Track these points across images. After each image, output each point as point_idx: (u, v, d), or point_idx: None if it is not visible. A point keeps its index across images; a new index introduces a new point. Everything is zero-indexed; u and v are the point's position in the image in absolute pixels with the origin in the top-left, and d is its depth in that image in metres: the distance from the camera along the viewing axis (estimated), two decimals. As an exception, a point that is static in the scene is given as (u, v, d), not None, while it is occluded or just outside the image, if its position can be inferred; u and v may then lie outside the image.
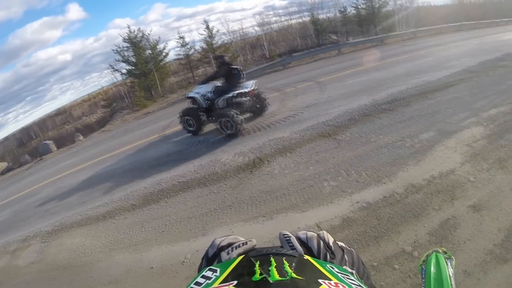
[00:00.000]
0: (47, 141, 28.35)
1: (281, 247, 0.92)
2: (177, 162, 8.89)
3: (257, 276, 0.62)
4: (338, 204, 4.50)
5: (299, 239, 0.94)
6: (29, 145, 35.74)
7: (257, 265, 0.67)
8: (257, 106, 10.38)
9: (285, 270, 0.65)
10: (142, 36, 30.34)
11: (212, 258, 0.90)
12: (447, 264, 0.99)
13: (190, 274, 4.42)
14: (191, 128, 10.59)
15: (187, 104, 10.82)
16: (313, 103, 9.95)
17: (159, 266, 4.87)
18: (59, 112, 43.33)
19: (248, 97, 9.79)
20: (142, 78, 29.59)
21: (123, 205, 7.51)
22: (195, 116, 10.20)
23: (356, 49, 24.41)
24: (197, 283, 0.68)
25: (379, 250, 3.45)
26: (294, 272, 0.63)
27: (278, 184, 5.72)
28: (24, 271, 6.75)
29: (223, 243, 0.90)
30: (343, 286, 0.61)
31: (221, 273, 0.69)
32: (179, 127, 12.71)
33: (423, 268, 1.02)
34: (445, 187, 4.31)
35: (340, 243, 1.00)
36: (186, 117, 10.41)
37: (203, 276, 0.71)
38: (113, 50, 29.86)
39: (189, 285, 0.68)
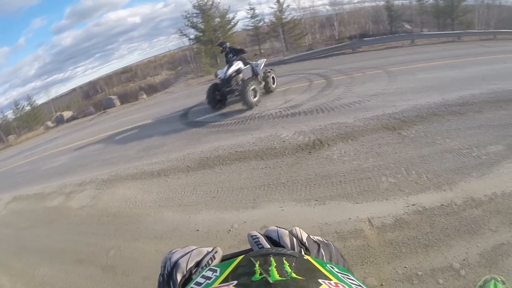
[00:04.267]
0: (111, 96, 30.41)
1: (256, 245, 0.92)
2: (236, 131, 9.04)
3: (257, 276, 0.62)
4: (394, 203, 4.40)
5: (269, 238, 0.91)
6: (94, 98, 37.69)
7: (257, 265, 0.68)
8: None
9: (285, 270, 0.65)
10: (212, 4, 30.76)
11: (184, 283, 0.82)
12: None
13: (234, 244, 4.52)
14: (256, 97, 11.42)
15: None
16: (381, 93, 9.70)
17: (205, 230, 5.01)
18: (125, 70, 44.97)
19: None
20: (209, 45, 30.24)
21: (178, 166, 7.74)
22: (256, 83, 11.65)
23: (431, 42, 23.23)
24: (197, 283, 0.68)
25: (427, 260, 3.37)
26: (294, 272, 0.63)
27: (335, 170, 5.67)
28: (75, 213, 7.20)
29: (191, 264, 0.83)
30: (343, 286, 0.61)
31: (221, 273, 0.69)
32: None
33: None
34: (506, 208, 4.04)
35: (315, 237, 0.96)
36: (253, 87, 11.16)
37: (203, 276, 0.71)
38: (182, 16, 30.93)
39: (189, 285, 0.69)
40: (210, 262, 0.82)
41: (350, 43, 24.15)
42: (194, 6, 30.23)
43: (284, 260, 0.69)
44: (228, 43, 12.42)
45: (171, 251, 0.87)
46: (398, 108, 7.98)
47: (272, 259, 0.70)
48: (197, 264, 0.82)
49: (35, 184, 10.73)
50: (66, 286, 5.00)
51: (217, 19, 31.55)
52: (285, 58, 24.31)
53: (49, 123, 34.22)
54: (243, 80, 11.60)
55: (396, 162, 5.44)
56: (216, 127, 10.15)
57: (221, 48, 12.36)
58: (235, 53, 11.94)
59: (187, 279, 0.80)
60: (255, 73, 12.26)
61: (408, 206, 4.25)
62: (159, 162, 8.31)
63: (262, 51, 32.39)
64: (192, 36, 32.15)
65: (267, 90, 12.65)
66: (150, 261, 4.77)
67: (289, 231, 0.92)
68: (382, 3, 34.03)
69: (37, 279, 5.51)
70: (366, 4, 36.70)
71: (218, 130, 9.73)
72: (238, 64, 11.62)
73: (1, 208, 10.02)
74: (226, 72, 11.48)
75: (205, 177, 6.83)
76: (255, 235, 0.91)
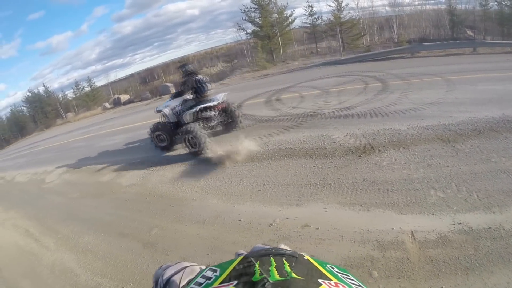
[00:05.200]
0: (167, 84, 31.60)
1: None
2: (287, 128, 9.05)
3: (257, 276, 0.65)
4: (440, 219, 4.29)
5: None
6: (151, 84, 39.77)
7: (257, 265, 0.71)
8: (229, 121, 9.74)
9: (285, 270, 0.68)
10: (270, 0, 31.09)
11: None
12: None
13: (274, 238, 4.59)
14: (162, 144, 9.61)
15: (159, 118, 10.01)
16: (438, 101, 9.36)
17: (247, 222, 5.13)
18: (183, 60, 46.29)
19: (215, 112, 9.27)
20: (265, 40, 30.95)
21: (227, 156, 7.79)
22: (167, 131, 9.33)
23: (494, 51, 21.58)
24: (197, 283, 0.72)
25: (465, 283, 3.26)
26: (294, 272, 0.66)
27: (384, 177, 5.59)
28: (124, 190, 7.63)
29: (184, 282, 0.87)
30: (343, 286, 0.64)
31: (221, 273, 0.73)
32: (296, 94, 12.99)
33: None
34: (557, 241, 3.83)
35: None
36: (157, 132, 9.50)
37: (203, 276, 0.75)
38: (240, 10, 31.72)
39: (189, 285, 0.74)
40: None
41: (409, 47, 23.26)
42: (252, 1, 30.80)
43: (284, 260, 0.73)
44: (190, 66, 9.57)
45: (161, 267, 0.92)
46: (455, 119, 7.69)
47: (272, 259, 0.74)
48: (190, 282, 0.83)
49: (89, 159, 11.30)
50: (107, 255, 5.31)
51: (275, 15, 31.88)
52: (342, 58, 23.93)
53: (107, 104, 36.35)
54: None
55: (447, 176, 5.27)
56: (268, 121, 10.20)
57: (184, 72, 9.38)
58: (183, 85, 9.31)
59: None
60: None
61: (454, 224, 4.13)
62: (209, 152, 8.37)
63: (318, 49, 32.28)
64: (249, 31, 32.98)
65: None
66: (190, 243, 4.96)
67: None
68: (444, 6, 32.56)
69: (80, 245, 5.88)
70: (427, 7, 35.16)
71: (269, 125, 9.77)
72: (165, 106, 9.65)
73: (55, 177, 10.57)
74: (219, 98, 9.36)
75: (252, 170, 6.95)
76: (242, 253, 0.95)
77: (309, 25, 34.21)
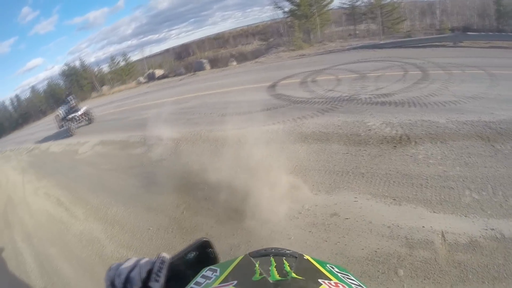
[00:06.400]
0: (202, 60, 32.08)
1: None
2: (323, 111, 8.94)
3: (257, 276, 0.64)
4: (472, 222, 4.15)
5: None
6: (186, 60, 40.22)
7: (257, 265, 0.69)
8: (87, 119, 18.14)
9: (285, 270, 0.66)
10: None
11: None
12: None
13: (301, 225, 4.60)
14: (61, 129, 17.93)
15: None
16: (479, 96, 8.94)
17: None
18: (218, 37, 46.91)
19: (79, 116, 17.69)
20: (303, 19, 30.42)
21: (259, 136, 7.74)
22: (61, 123, 17.82)
23: None
24: (197, 283, 0.71)
25: None
26: (294, 272, 0.65)
27: (418, 171, 5.45)
28: (154, 164, 8.08)
29: (144, 275, 0.83)
30: (343, 286, 0.62)
31: (221, 273, 0.71)
32: (332, 76, 13.08)
33: None
34: None
35: None
36: (59, 124, 18.13)
37: (203, 276, 0.73)
38: None
39: (189, 285, 0.71)
40: (161, 267, 0.83)
41: (451, 36, 22.03)
42: (290, -21, 30.11)
43: (284, 260, 0.72)
44: (67, 93, 20.71)
45: (111, 268, 0.87)
46: (496, 117, 7.34)
47: (272, 259, 0.73)
48: (149, 273, 0.83)
49: (122, 132, 11.62)
50: (133, 228, 5.50)
51: (314, -6, 31.11)
52: (381, 42, 23.35)
53: (141, 79, 37.47)
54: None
55: (484, 177, 5.08)
56: (302, 103, 10.12)
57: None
58: (64, 101, 19.80)
59: None
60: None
61: (486, 230, 3.99)
62: (241, 129, 8.36)
63: (357, 32, 31.45)
64: (286, 9, 32.45)
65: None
66: (216, 224, 5.06)
67: None
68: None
69: (109, 217, 6.12)
70: (473, -7, 33.57)
71: (303, 107, 9.68)
72: (60, 109, 18.75)
73: (88, 149, 10.95)
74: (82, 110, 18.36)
75: (282, 152, 6.82)
76: (204, 239, 0.94)
77: (348, 6, 33.16)
